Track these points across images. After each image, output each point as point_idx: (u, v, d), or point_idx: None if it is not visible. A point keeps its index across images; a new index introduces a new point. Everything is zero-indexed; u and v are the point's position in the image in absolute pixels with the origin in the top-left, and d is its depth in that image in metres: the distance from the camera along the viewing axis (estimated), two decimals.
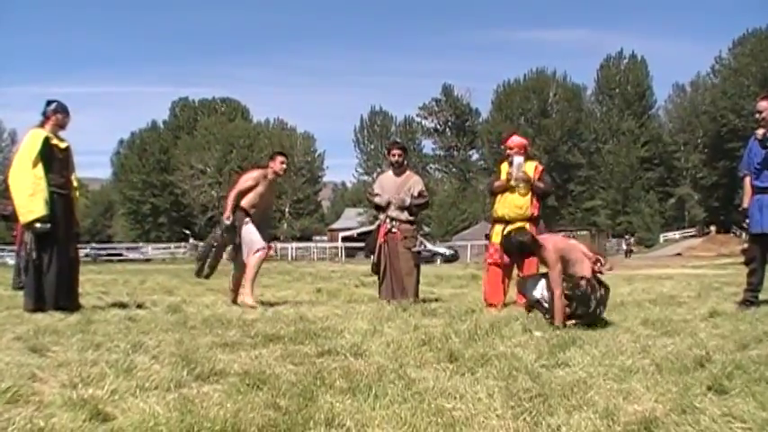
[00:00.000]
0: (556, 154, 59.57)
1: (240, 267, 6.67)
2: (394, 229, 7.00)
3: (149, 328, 4.67)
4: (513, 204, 6.53)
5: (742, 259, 6.68)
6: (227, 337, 4.28)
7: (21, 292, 5.94)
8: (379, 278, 7.15)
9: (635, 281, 10.39)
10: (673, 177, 63.53)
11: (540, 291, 4.94)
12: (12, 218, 5.89)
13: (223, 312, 5.74)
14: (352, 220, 63.42)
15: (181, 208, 66.84)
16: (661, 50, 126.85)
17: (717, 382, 2.85)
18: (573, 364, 3.38)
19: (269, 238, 7.15)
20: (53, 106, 5.97)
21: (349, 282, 11.60)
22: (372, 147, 69.13)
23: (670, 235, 57.56)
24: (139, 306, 6.41)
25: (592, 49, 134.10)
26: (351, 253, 42.80)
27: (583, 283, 4.75)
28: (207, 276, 6.74)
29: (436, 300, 7.35)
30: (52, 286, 5.74)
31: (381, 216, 7.15)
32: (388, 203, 7.05)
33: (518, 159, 6.52)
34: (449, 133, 69.98)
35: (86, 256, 35.98)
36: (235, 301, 6.68)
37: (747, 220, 6.01)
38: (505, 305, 6.29)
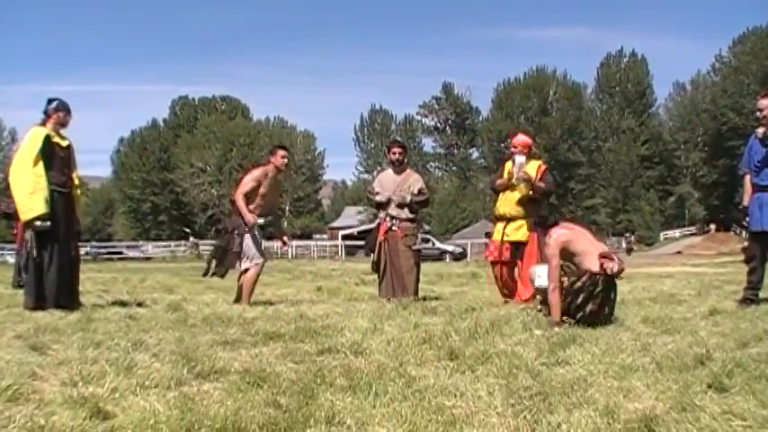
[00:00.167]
0: (556, 152, 59.52)
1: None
2: (394, 227, 7.00)
3: (150, 327, 4.67)
4: (514, 202, 6.58)
5: (742, 257, 6.69)
6: (228, 336, 4.28)
7: (21, 291, 5.95)
8: (379, 276, 7.15)
9: (635, 279, 10.37)
10: (673, 176, 63.55)
11: (545, 279, 4.86)
12: (14, 216, 5.90)
13: (223, 310, 5.74)
14: (352, 218, 63.41)
15: (181, 206, 66.83)
16: (661, 49, 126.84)
17: (717, 380, 2.85)
18: (573, 362, 3.38)
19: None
20: (54, 104, 5.96)
21: (349, 280, 11.61)
22: (372, 145, 69.12)
23: (670, 233, 57.54)
24: (140, 304, 6.41)
25: (592, 48, 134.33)
26: (351, 251, 42.76)
27: (585, 278, 4.65)
28: (222, 276, 6.77)
29: (436, 298, 7.35)
30: (53, 284, 5.74)
31: (381, 214, 7.15)
32: (389, 200, 7.06)
33: (520, 159, 6.54)
34: (449, 131, 69.94)
35: (86, 254, 35.93)
36: (237, 300, 6.66)
37: (747, 219, 6.01)
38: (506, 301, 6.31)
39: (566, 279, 4.76)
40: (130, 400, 2.68)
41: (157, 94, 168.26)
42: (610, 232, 56.06)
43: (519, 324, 4.61)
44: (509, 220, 6.63)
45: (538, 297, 5.48)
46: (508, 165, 6.73)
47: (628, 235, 51.33)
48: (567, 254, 4.87)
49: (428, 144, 70.96)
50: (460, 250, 37.55)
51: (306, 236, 60.28)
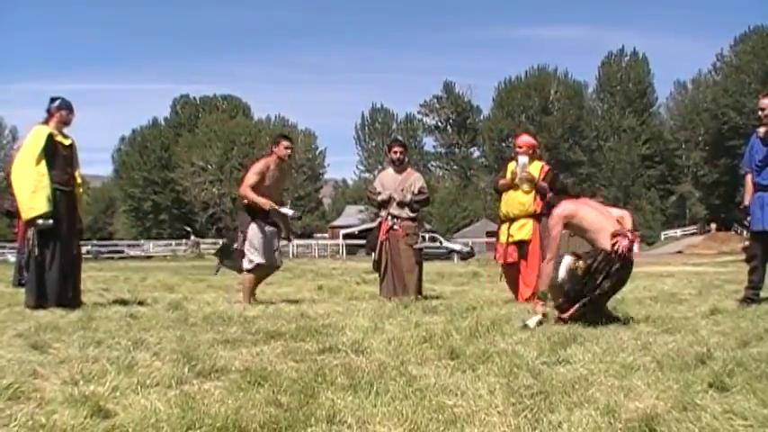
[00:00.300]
0: (557, 151, 59.51)
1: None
2: (396, 226, 7.00)
3: (150, 325, 4.67)
4: (517, 202, 6.63)
5: (743, 257, 6.68)
6: (229, 334, 4.28)
7: (22, 289, 5.95)
8: (380, 275, 7.16)
9: (636, 278, 10.34)
10: (674, 175, 63.48)
11: (563, 271, 4.64)
12: (16, 214, 5.90)
13: (224, 309, 5.74)
14: (353, 217, 63.41)
15: (182, 205, 66.86)
16: (662, 48, 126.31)
17: (718, 380, 2.85)
18: (574, 361, 3.38)
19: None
20: (57, 103, 5.97)
21: (350, 279, 11.60)
22: (373, 144, 69.13)
23: (671, 233, 57.49)
24: (140, 303, 6.41)
25: (593, 47, 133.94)
26: (352, 250, 42.73)
27: (600, 257, 4.51)
28: (239, 271, 6.72)
29: (437, 297, 7.35)
30: (54, 283, 5.75)
31: (383, 213, 7.16)
32: (390, 199, 7.06)
33: (523, 159, 6.56)
34: (450, 130, 69.92)
35: (88, 253, 35.95)
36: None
37: (748, 218, 6.01)
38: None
39: (581, 262, 4.60)
40: (131, 398, 2.68)
41: (158, 93, 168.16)
42: None
43: (520, 323, 4.61)
44: (512, 220, 6.65)
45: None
46: (511, 165, 6.76)
47: None
48: (578, 229, 4.80)
49: (429, 143, 71.10)
50: (468, 249, 36.99)
51: (307, 235, 60.30)
